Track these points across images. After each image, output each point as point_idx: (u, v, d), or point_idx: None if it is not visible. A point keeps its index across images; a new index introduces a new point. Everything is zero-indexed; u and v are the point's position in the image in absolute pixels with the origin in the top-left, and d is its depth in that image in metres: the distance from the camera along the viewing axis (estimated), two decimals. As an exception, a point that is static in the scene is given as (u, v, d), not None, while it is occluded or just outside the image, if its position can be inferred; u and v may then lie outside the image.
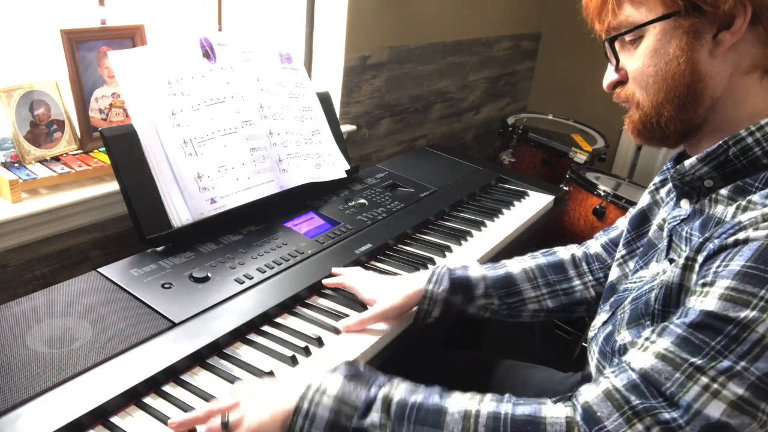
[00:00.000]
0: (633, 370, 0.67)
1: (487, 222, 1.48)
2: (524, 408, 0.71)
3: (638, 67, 0.77)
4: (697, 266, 0.69)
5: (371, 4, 1.87)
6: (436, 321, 1.08)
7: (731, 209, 0.71)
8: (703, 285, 0.65)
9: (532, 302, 1.09)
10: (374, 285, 1.09)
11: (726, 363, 0.61)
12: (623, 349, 0.75)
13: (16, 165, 1.25)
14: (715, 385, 0.61)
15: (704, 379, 0.62)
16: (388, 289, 1.06)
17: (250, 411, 0.77)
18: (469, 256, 1.31)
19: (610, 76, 0.81)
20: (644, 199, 0.97)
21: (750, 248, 0.62)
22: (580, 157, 2.24)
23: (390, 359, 1.03)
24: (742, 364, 0.60)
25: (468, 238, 1.40)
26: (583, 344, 0.96)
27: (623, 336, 0.76)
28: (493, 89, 2.83)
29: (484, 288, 1.08)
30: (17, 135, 1.24)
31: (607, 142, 2.50)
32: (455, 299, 1.07)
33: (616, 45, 0.78)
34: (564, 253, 1.14)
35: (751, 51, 0.71)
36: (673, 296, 0.70)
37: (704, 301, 0.63)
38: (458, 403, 0.73)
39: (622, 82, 0.80)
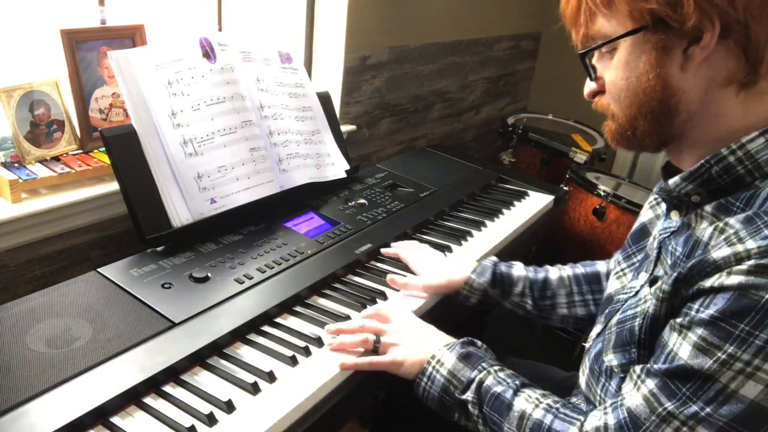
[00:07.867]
0: (623, 407, 0.73)
1: (487, 222, 1.48)
2: (558, 424, 0.79)
3: (612, 78, 0.76)
4: (679, 298, 0.71)
5: (371, 4, 1.87)
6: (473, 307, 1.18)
7: (710, 230, 0.71)
8: (681, 327, 0.69)
9: (562, 307, 1.14)
10: (425, 261, 1.20)
11: (693, 408, 0.66)
12: (610, 371, 0.79)
13: (16, 165, 1.25)
14: (685, 429, 0.66)
15: (676, 423, 0.67)
16: (436, 268, 1.17)
17: (403, 346, 0.95)
18: (469, 256, 1.31)
19: (589, 85, 0.80)
20: (645, 215, 0.97)
21: (723, 297, 0.65)
22: (580, 157, 2.23)
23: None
24: (707, 410, 0.65)
25: (468, 238, 1.40)
26: (583, 344, 0.98)
27: (610, 358, 0.79)
28: (493, 89, 2.83)
29: (522, 287, 1.14)
30: (17, 135, 1.24)
31: (607, 142, 2.49)
32: (494, 292, 1.15)
33: (596, 54, 0.77)
34: (602, 265, 1.16)
35: (725, 64, 0.69)
36: (659, 325, 0.74)
37: (681, 345, 0.68)
38: (521, 403, 0.84)
39: (600, 91, 0.79)
